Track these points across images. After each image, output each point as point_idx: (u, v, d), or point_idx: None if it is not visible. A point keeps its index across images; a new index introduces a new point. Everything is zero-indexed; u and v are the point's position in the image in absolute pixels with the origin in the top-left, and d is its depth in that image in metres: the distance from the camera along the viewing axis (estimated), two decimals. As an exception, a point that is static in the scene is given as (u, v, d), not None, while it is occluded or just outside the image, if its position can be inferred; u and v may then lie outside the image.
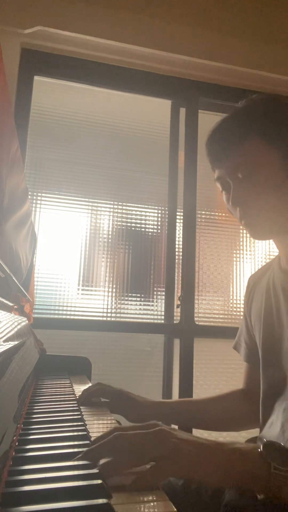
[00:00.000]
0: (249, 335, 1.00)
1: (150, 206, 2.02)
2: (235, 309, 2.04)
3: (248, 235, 2.07)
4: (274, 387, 0.84)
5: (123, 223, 1.97)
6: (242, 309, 1.02)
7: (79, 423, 0.68)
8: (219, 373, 1.93)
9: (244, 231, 2.11)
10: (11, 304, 1.05)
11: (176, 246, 2.01)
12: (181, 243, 2.01)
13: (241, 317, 1.05)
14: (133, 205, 2.00)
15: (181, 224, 2.02)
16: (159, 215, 2.03)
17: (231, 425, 1.04)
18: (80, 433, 0.61)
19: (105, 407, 0.88)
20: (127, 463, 0.49)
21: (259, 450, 0.55)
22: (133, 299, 1.92)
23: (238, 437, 1.88)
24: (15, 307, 1.13)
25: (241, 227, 2.08)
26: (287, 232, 0.83)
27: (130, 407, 0.94)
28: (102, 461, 0.49)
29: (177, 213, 2.03)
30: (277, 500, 0.53)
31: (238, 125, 0.81)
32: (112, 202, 1.97)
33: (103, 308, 1.88)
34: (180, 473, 0.52)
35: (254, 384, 0.97)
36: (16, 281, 0.95)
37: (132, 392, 0.97)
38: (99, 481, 0.43)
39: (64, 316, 1.83)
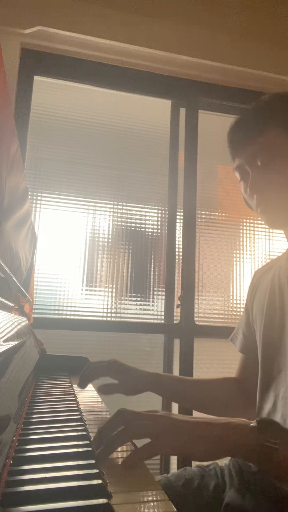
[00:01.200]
0: (248, 327, 1.01)
1: (150, 206, 2.02)
2: (235, 309, 2.04)
3: (248, 234, 2.09)
4: (272, 377, 0.85)
5: (123, 223, 1.97)
6: (242, 309, 1.03)
7: (79, 423, 0.68)
8: (219, 373, 1.93)
9: (244, 231, 2.11)
10: (11, 304, 1.05)
11: (176, 246, 2.01)
12: (181, 243, 2.01)
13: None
14: (133, 205, 2.00)
15: (181, 224, 2.02)
16: (159, 215, 2.03)
17: (222, 410, 1.04)
18: (80, 433, 0.61)
19: (101, 394, 0.90)
20: (121, 439, 0.55)
21: (252, 424, 0.59)
22: (133, 299, 1.92)
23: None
24: (15, 307, 1.13)
25: (240, 226, 2.09)
26: None
27: (125, 378, 0.95)
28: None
29: (177, 213, 2.03)
30: (267, 469, 0.57)
31: (259, 116, 0.84)
32: (112, 202, 1.97)
33: (103, 308, 1.88)
34: (173, 448, 0.56)
35: (247, 374, 0.98)
36: (16, 281, 0.95)
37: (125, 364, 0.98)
38: (99, 481, 0.43)
39: (64, 316, 1.83)
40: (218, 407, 1.02)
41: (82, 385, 0.91)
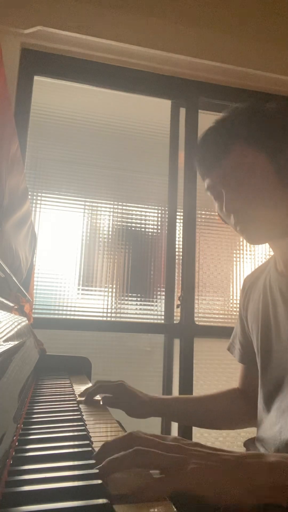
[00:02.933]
0: (244, 336, 1.00)
1: (150, 206, 2.02)
2: (235, 309, 2.04)
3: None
4: (271, 388, 0.85)
5: (123, 223, 1.97)
6: (239, 307, 1.03)
7: (79, 423, 0.68)
8: (219, 373, 1.93)
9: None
10: (11, 304, 1.05)
11: (176, 246, 2.01)
12: (181, 243, 2.01)
13: None
14: (133, 205, 2.00)
15: (181, 224, 2.01)
16: (159, 215, 2.03)
17: (228, 424, 1.04)
18: (80, 433, 0.61)
19: (105, 405, 0.88)
20: (132, 461, 0.46)
21: (283, 460, 0.50)
22: (133, 299, 1.92)
23: (238, 436, 1.88)
24: (15, 307, 1.13)
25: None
26: (282, 236, 0.82)
27: (130, 402, 0.94)
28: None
29: (177, 213, 2.03)
30: None
31: (224, 133, 0.81)
32: (112, 202, 1.97)
33: (103, 308, 1.88)
34: (188, 488, 0.46)
35: (249, 384, 0.98)
36: (16, 281, 0.95)
37: (131, 386, 0.97)
38: (99, 481, 0.43)
39: (64, 316, 1.83)
40: (223, 421, 1.02)
41: (86, 400, 0.89)
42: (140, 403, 0.95)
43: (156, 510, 0.41)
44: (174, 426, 1.84)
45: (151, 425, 1.81)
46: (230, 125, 0.82)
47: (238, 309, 1.05)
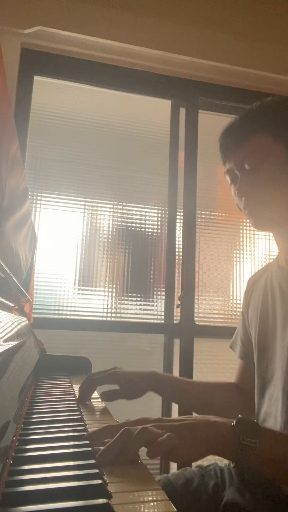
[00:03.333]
0: (245, 333, 1.02)
1: (150, 206, 2.02)
2: (235, 309, 2.04)
3: (248, 234, 2.09)
4: (266, 379, 0.87)
5: (123, 223, 1.97)
6: (242, 304, 1.05)
7: (79, 423, 0.68)
8: (219, 373, 1.93)
9: (244, 231, 2.11)
10: (11, 304, 1.05)
11: (176, 246, 2.01)
12: (181, 243, 2.01)
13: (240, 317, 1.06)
14: (133, 205, 2.00)
15: (181, 224, 2.01)
16: (159, 215, 2.03)
17: (223, 414, 1.04)
18: (80, 433, 0.61)
19: (104, 401, 0.89)
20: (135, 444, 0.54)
21: (232, 424, 0.61)
22: (133, 299, 1.92)
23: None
24: (15, 307, 1.13)
25: (240, 226, 2.09)
26: (286, 224, 0.85)
27: (127, 388, 0.95)
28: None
29: (177, 213, 2.03)
30: (245, 467, 0.60)
31: (247, 122, 0.87)
32: (112, 202, 1.97)
33: (103, 308, 1.88)
34: (172, 443, 0.55)
35: (246, 380, 0.99)
36: (16, 281, 0.95)
37: (125, 370, 0.97)
38: (99, 481, 0.43)
39: (64, 316, 1.83)
40: (219, 410, 1.02)
41: (83, 399, 0.88)
42: (136, 380, 0.95)
43: (156, 510, 0.41)
44: (175, 414, 1.84)
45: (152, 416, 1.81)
46: (255, 115, 0.87)
47: (238, 309, 1.06)
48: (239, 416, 0.63)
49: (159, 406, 1.87)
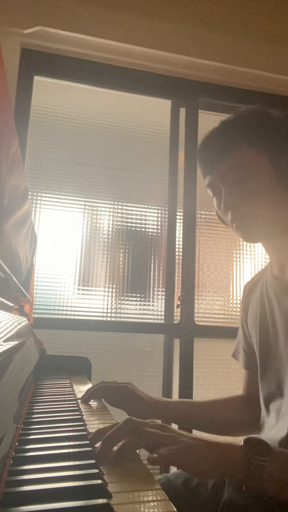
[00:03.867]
0: (246, 342, 1.01)
1: (150, 206, 2.02)
2: (235, 309, 2.04)
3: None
4: (270, 391, 0.86)
5: (123, 223, 1.97)
6: (240, 313, 1.04)
7: (79, 423, 0.68)
8: (219, 373, 1.93)
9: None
10: (11, 304, 1.05)
11: (176, 246, 2.01)
12: (181, 243, 2.01)
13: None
14: (133, 205, 2.00)
15: (181, 224, 2.01)
16: (159, 215, 2.03)
17: (231, 430, 1.04)
18: (80, 433, 0.61)
19: (107, 403, 0.89)
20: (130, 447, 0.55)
21: (240, 444, 0.60)
22: (133, 299, 1.92)
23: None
24: (15, 307, 1.13)
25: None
26: (277, 235, 0.84)
27: (132, 405, 0.94)
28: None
29: (177, 213, 2.03)
30: (256, 490, 0.57)
31: (227, 133, 0.85)
32: (112, 202, 1.97)
33: (103, 308, 1.88)
34: (177, 462, 0.56)
35: (253, 391, 0.97)
36: (16, 281, 0.95)
37: (136, 388, 0.97)
38: (99, 481, 0.43)
39: (64, 316, 1.83)
40: (226, 428, 1.02)
41: (87, 399, 0.89)
42: (143, 405, 0.94)
43: (156, 510, 0.41)
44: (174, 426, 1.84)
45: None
46: (234, 126, 0.85)
47: (238, 309, 1.05)
48: (248, 436, 0.62)
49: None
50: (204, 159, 0.89)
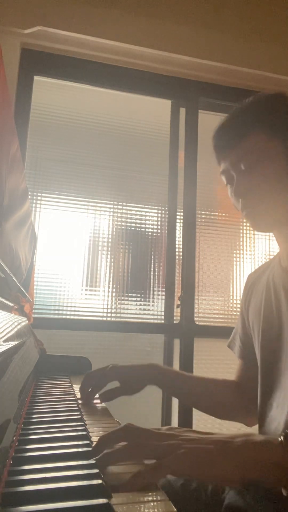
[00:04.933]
0: (244, 332, 1.00)
1: (150, 206, 2.02)
2: (235, 309, 2.04)
3: (248, 234, 2.09)
4: (271, 384, 0.85)
5: (123, 223, 1.97)
6: (241, 303, 1.04)
7: (79, 423, 0.68)
8: (219, 373, 1.93)
9: (244, 231, 2.11)
10: (11, 304, 1.05)
11: (176, 246, 2.01)
12: (181, 243, 2.01)
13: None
14: (133, 205, 2.00)
15: (181, 224, 2.01)
16: (159, 215, 2.03)
17: (223, 411, 1.04)
18: (80, 433, 0.61)
19: (104, 402, 0.88)
20: (127, 455, 0.50)
21: (280, 439, 0.53)
22: (133, 299, 1.92)
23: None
24: (15, 307, 1.13)
25: (240, 226, 2.09)
26: (286, 224, 0.83)
27: (126, 378, 0.93)
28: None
29: (177, 213, 2.03)
30: None
31: (242, 120, 0.84)
32: (112, 202, 1.97)
33: (103, 308, 1.88)
34: (180, 471, 0.49)
35: (246, 380, 0.98)
36: (16, 281, 0.95)
37: (123, 365, 0.96)
38: (99, 481, 0.43)
39: (64, 316, 1.83)
40: (219, 407, 1.02)
41: (86, 401, 0.88)
42: (136, 374, 0.94)
43: (156, 509, 0.41)
44: (175, 416, 1.84)
45: (152, 416, 1.81)
46: (249, 112, 0.84)
47: (238, 309, 1.04)
48: (286, 431, 0.54)
49: (159, 405, 1.87)
50: (218, 145, 0.87)
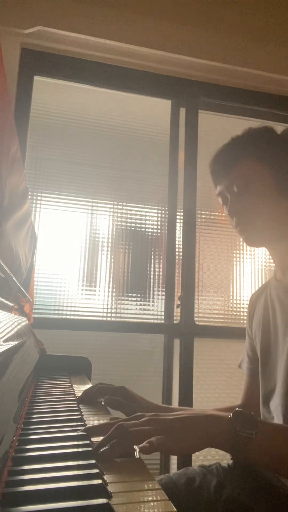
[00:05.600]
0: (251, 348, 1.05)
1: (150, 206, 2.02)
2: (235, 309, 2.04)
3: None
4: (268, 389, 0.89)
5: (123, 223, 1.97)
6: (242, 309, 1.08)
7: (79, 423, 0.68)
8: (219, 373, 1.93)
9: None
10: (11, 304, 1.05)
11: (176, 246, 2.01)
12: (181, 243, 2.01)
13: (241, 317, 1.09)
14: (133, 205, 2.00)
15: (181, 224, 2.01)
16: (159, 215, 2.03)
17: None
18: (80, 433, 0.61)
19: (106, 406, 0.88)
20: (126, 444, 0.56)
21: (229, 416, 0.63)
22: (133, 299, 1.92)
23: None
24: (15, 307, 1.13)
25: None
26: (278, 241, 0.92)
27: (131, 406, 0.94)
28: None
29: (177, 213, 2.03)
30: (242, 460, 0.61)
31: (234, 149, 0.96)
32: (112, 202, 1.97)
33: (103, 308, 1.88)
34: (169, 447, 0.58)
35: (253, 399, 0.98)
36: (16, 281, 0.95)
37: (133, 391, 0.97)
38: (99, 481, 0.43)
39: (64, 316, 1.83)
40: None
41: (84, 401, 0.89)
42: (140, 409, 0.94)
43: (156, 509, 0.41)
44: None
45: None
46: (240, 142, 0.96)
47: (238, 309, 1.09)
48: (236, 409, 0.64)
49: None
50: (215, 171, 0.99)
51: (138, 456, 0.55)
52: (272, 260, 1.10)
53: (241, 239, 0.96)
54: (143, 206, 2.01)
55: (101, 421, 0.75)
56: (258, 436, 0.61)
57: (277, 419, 0.82)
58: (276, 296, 0.93)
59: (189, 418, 0.62)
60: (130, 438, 0.56)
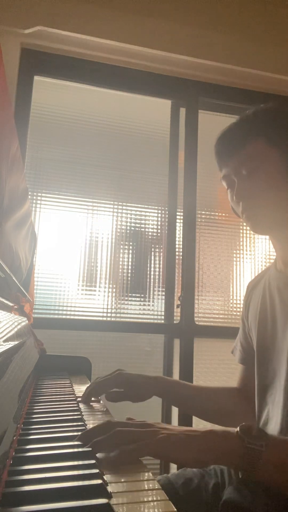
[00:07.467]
0: (245, 337, 1.03)
1: (150, 206, 2.02)
2: (235, 309, 2.04)
3: (248, 234, 2.09)
4: (266, 382, 0.87)
5: (123, 223, 1.97)
6: (242, 309, 1.07)
7: (79, 423, 0.68)
8: (219, 373, 1.93)
9: (244, 231, 2.11)
10: (11, 304, 1.05)
11: (176, 246, 2.01)
12: (181, 243, 2.01)
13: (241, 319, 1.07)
14: (133, 205, 2.00)
15: (181, 224, 2.01)
16: (159, 215, 2.03)
17: (225, 420, 1.05)
18: (80, 433, 0.61)
19: (109, 401, 0.89)
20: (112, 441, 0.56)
21: (236, 430, 0.61)
22: (133, 299, 1.92)
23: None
24: (15, 307, 1.13)
25: (241, 226, 2.09)
26: (284, 229, 0.87)
27: (133, 390, 0.95)
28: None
29: (177, 213, 2.03)
30: (251, 475, 0.58)
31: (244, 128, 0.88)
32: (112, 202, 1.97)
33: (103, 308, 1.88)
34: (156, 453, 0.56)
35: (248, 385, 1.00)
36: (16, 281, 0.95)
37: (130, 373, 0.97)
38: (99, 481, 0.43)
39: (64, 316, 1.83)
40: (221, 415, 1.02)
41: (86, 400, 0.89)
42: (142, 384, 0.95)
43: (156, 509, 0.41)
44: (175, 417, 1.84)
45: (152, 416, 1.81)
46: (251, 122, 0.88)
47: (238, 309, 1.07)
48: (242, 423, 0.62)
49: (159, 407, 1.87)
50: (220, 152, 0.92)
51: (140, 462, 0.54)
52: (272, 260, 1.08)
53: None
54: (143, 206, 2.01)
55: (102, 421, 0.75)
56: (267, 448, 0.58)
57: (276, 416, 0.81)
58: (275, 287, 0.90)
59: (192, 435, 0.60)
60: (139, 452, 0.55)
